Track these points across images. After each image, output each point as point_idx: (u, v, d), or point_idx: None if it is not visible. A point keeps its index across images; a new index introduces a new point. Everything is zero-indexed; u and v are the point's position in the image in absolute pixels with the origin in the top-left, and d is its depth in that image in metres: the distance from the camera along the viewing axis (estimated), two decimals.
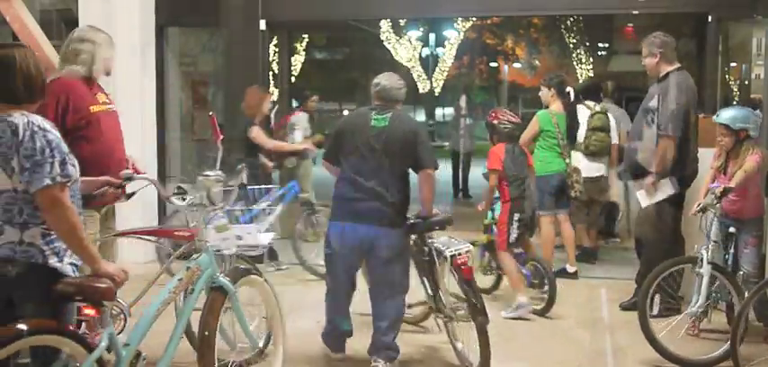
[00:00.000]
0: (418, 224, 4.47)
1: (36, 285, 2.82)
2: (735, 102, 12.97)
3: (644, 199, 5.42)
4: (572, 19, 22.07)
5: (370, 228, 4.30)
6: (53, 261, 2.86)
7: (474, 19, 21.68)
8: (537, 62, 30.29)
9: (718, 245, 4.80)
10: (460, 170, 12.54)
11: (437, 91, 26.37)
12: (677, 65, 5.50)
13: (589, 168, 6.92)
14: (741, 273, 4.91)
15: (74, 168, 2.89)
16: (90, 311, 3.01)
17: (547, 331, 5.44)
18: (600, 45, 24.68)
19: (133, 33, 7.77)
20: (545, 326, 5.56)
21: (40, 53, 8.89)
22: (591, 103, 7.12)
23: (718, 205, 4.70)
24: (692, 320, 4.78)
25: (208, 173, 3.72)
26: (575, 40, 23.91)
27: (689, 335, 4.83)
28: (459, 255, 4.38)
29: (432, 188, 4.44)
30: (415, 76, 25.54)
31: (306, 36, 20.42)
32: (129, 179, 3.85)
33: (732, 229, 4.97)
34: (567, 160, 6.58)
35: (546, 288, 5.69)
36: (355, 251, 4.39)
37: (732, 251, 4.97)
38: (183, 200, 3.75)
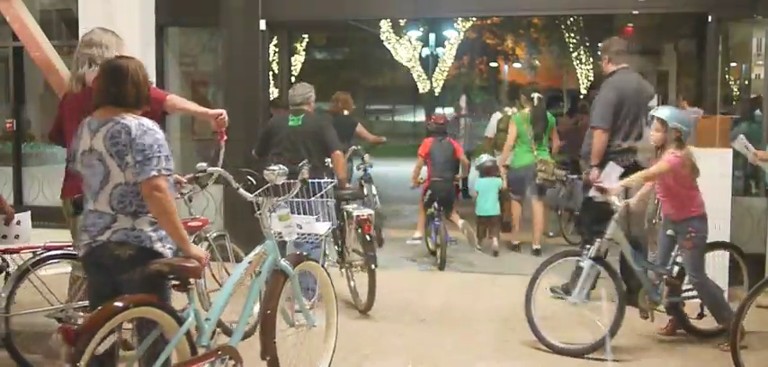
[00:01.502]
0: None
1: (142, 266, 3.28)
2: (735, 103, 13.01)
3: (595, 192, 5.51)
4: (572, 19, 22.03)
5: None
6: (158, 246, 3.34)
7: (474, 19, 21.64)
8: (537, 62, 30.27)
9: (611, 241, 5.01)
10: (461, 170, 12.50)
11: (437, 91, 26.33)
12: (622, 66, 6.08)
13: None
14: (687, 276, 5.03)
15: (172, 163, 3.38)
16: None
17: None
18: (600, 45, 24.66)
19: (133, 33, 7.76)
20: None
21: (39, 53, 8.91)
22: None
23: (614, 201, 5.02)
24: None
25: (272, 168, 4.15)
26: (575, 40, 23.87)
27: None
28: (362, 215, 5.74)
29: (342, 166, 6.06)
30: (415, 76, 25.50)
31: (306, 36, 20.37)
32: (203, 172, 4.24)
33: (670, 232, 5.07)
34: (535, 153, 8.02)
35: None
36: None
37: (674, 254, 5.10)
38: (251, 191, 4.20)
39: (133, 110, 3.37)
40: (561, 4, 8.29)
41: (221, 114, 4.53)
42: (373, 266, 5.74)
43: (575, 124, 10.84)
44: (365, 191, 8.39)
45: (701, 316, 5.21)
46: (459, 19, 22.08)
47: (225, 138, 4.49)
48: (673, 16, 10.91)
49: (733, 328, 4.24)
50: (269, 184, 4.18)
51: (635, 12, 8.98)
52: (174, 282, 3.36)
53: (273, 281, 4.07)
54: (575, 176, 8.43)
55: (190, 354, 3.40)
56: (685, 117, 5.11)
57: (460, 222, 7.87)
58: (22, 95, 10.22)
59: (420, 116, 27.44)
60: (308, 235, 4.97)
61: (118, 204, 3.31)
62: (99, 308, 3.05)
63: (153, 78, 7.95)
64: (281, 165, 4.20)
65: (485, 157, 8.61)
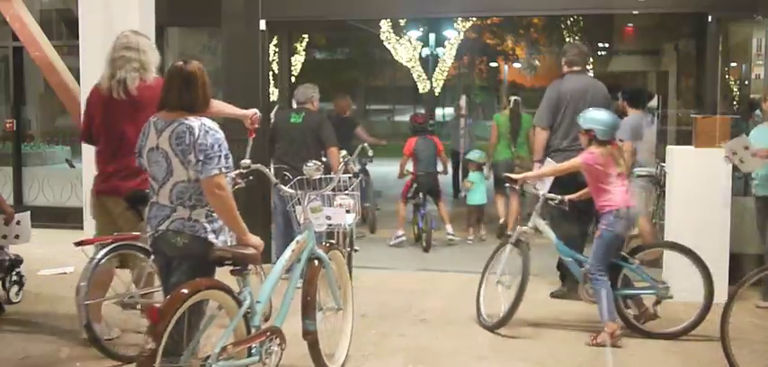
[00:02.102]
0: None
1: (195, 253, 3.62)
2: (734, 103, 13.02)
3: (543, 186, 5.80)
4: (572, 19, 22.03)
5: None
6: (211, 236, 3.64)
7: (474, 19, 21.65)
8: (537, 62, 30.28)
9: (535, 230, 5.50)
10: (460, 170, 12.51)
11: (437, 91, 26.34)
12: (574, 69, 6.40)
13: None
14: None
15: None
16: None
17: (547, 330, 5.46)
18: (600, 45, 24.65)
19: None
20: (545, 325, 5.57)
21: (39, 53, 8.93)
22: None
23: (538, 191, 5.62)
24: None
25: (310, 164, 4.51)
26: (575, 40, 23.89)
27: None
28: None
29: (337, 161, 6.44)
30: (415, 76, 25.51)
31: (306, 36, 20.39)
32: (247, 167, 4.52)
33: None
34: (513, 149, 8.85)
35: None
36: None
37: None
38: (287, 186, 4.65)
39: (198, 113, 3.64)
40: (561, 4, 8.28)
41: (254, 114, 4.91)
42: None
43: None
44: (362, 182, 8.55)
45: (652, 315, 5.31)
46: (459, 19, 22.09)
47: (253, 135, 4.91)
48: (673, 16, 10.92)
49: (721, 327, 4.28)
50: (300, 178, 4.70)
51: (635, 12, 8.97)
52: (233, 268, 3.66)
53: (312, 268, 4.35)
54: None
55: (245, 334, 3.71)
56: (603, 118, 5.28)
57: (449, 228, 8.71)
58: (22, 95, 10.23)
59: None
60: (337, 225, 5.33)
61: (177, 199, 3.63)
62: (178, 289, 3.36)
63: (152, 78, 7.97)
64: (316, 161, 4.55)
65: (475, 153, 9.41)
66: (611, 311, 5.10)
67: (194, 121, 3.57)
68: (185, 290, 3.35)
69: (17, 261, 6.02)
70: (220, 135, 3.59)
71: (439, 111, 30.69)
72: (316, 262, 4.36)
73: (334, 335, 4.66)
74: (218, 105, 4.75)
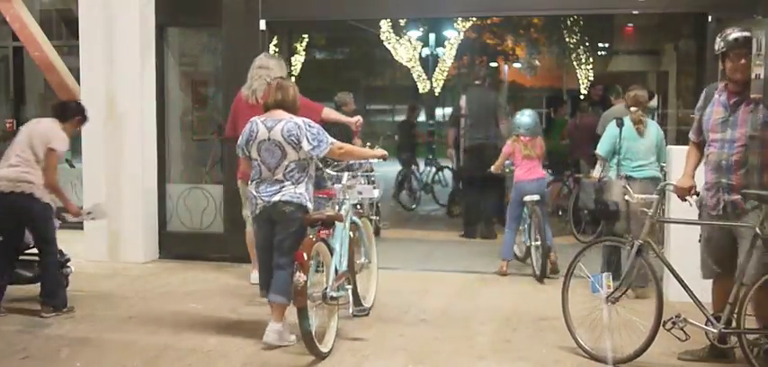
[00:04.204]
0: None
1: (298, 217, 4.95)
2: None
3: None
4: (572, 19, 22.02)
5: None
6: (309, 204, 5.02)
7: (474, 19, 21.63)
8: (537, 62, 30.25)
9: None
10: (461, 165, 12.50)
11: (437, 91, 26.31)
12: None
13: None
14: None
15: None
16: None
17: (547, 330, 5.46)
18: (600, 45, 24.63)
19: (133, 33, 7.77)
20: (545, 325, 5.57)
21: (39, 53, 8.94)
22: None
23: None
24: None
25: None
26: (575, 40, 23.87)
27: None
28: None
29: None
30: (415, 76, 25.49)
31: (306, 36, 20.36)
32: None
33: None
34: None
35: None
36: None
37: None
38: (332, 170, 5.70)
39: (292, 113, 5.04)
40: (561, 4, 8.29)
41: (358, 120, 6.67)
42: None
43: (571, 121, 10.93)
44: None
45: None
46: (459, 19, 22.07)
47: (357, 133, 6.83)
48: (673, 16, 10.91)
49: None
50: (338, 164, 5.68)
51: (635, 12, 8.97)
52: (323, 228, 4.97)
53: (353, 231, 5.65)
54: (579, 175, 8.56)
55: (335, 274, 5.02)
56: (517, 119, 7.44)
57: None
58: (23, 95, 10.23)
59: (420, 116, 27.34)
60: (367, 198, 6.24)
61: (288, 176, 4.94)
62: (309, 239, 4.78)
63: (153, 78, 7.98)
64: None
65: None
66: (505, 252, 7.37)
67: (297, 119, 4.98)
68: (312, 239, 4.78)
69: (65, 261, 6.19)
70: (316, 125, 5.05)
71: (439, 111, 30.67)
72: (355, 226, 5.70)
73: (364, 282, 6.00)
74: (328, 112, 6.57)
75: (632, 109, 6.46)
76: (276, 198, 4.90)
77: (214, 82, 8.60)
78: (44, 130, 5.79)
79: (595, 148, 6.67)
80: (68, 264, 6.24)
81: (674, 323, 4.56)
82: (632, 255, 4.70)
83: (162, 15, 7.94)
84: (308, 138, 4.91)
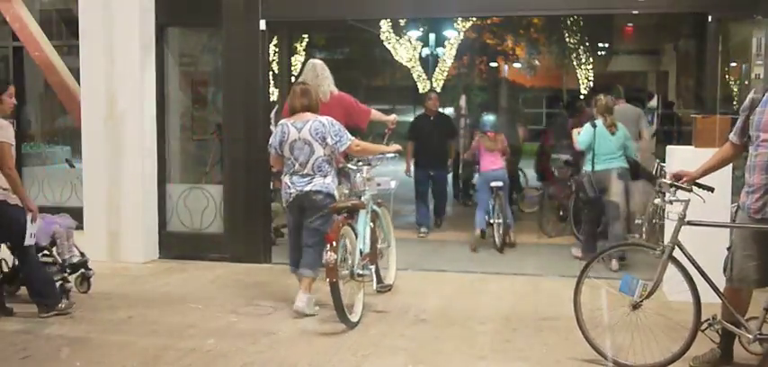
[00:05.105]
0: None
1: (326, 205, 5.69)
2: (734, 102, 12.98)
3: None
4: (572, 19, 22.03)
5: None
6: (335, 193, 5.81)
7: (474, 19, 21.63)
8: (537, 62, 30.22)
9: None
10: (461, 170, 12.48)
11: (437, 91, 26.29)
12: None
13: None
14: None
15: None
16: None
17: (547, 330, 5.45)
18: (600, 45, 24.65)
19: (133, 33, 7.77)
20: (545, 325, 5.57)
21: (39, 53, 8.92)
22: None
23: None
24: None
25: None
26: (575, 40, 23.88)
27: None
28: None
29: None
30: (415, 76, 25.47)
31: (306, 36, 20.36)
32: (395, 123, 7.09)
33: None
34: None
35: None
36: None
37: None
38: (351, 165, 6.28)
39: (315, 113, 5.76)
40: (561, 4, 8.28)
41: (394, 118, 7.13)
42: None
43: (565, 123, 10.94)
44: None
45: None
46: (459, 19, 22.07)
47: (390, 131, 7.05)
48: (673, 16, 10.91)
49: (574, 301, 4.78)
50: (359, 159, 6.22)
51: (635, 12, 8.96)
52: (346, 215, 5.60)
53: (372, 218, 6.25)
54: (577, 175, 8.58)
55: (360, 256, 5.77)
56: (484, 118, 8.85)
57: None
58: (23, 95, 10.22)
59: None
60: (384, 190, 6.62)
61: (317, 169, 5.71)
62: (337, 223, 5.46)
63: (153, 78, 7.97)
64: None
65: None
66: (478, 223, 8.62)
67: (322, 118, 5.73)
68: (340, 223, 5.44)
69: (84, 261, 6.39)
70: (339, 124, 5.78)
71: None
72: (375, 213, 6.31)
73: (384, 263, 6.66)
74: (376, 115, 7.20)
75: (606, 116, 7.60)
76: (308, 188, 5.68)
77: (214, 82, 8.60)
78: None
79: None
80: (88, 265, 6.43)
81: (709, 324, 4.46)
82: (664, 259, 4.53)
83: (162, 15, 7.94)
84: (331, 135, 5.68)
